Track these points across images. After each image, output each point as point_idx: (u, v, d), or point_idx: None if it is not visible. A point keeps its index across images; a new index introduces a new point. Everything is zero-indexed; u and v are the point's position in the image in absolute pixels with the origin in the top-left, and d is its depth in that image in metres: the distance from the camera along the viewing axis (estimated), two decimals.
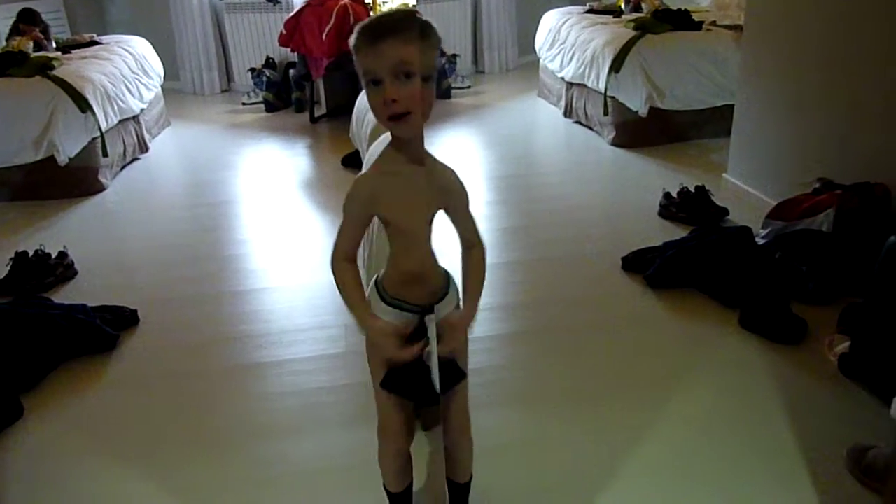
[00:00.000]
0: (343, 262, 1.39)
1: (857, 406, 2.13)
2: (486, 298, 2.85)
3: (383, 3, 5.36)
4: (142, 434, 2.18)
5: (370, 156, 2.13)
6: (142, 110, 4.81)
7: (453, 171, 1.41)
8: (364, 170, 1.53)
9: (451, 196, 1.41)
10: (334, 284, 1.39)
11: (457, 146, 4.87)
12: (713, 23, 4.71)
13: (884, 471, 1.75)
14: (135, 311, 2.78)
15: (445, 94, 5.96)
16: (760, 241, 2.96)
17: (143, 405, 2.32)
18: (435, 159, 1.39)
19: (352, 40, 1.23)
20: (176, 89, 6.23)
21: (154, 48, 5.37)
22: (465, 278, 1.48)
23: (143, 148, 4.83)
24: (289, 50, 5.41)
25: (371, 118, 2.47)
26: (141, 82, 4.86)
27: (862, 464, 1.86)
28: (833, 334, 2.40)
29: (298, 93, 5.76)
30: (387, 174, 1.34)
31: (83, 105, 4.00)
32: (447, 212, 1.42)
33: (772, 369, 2.33)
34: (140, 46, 5.19)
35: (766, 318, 2.52)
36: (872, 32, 2.76)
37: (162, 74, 5.35)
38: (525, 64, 6.61)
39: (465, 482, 1.70)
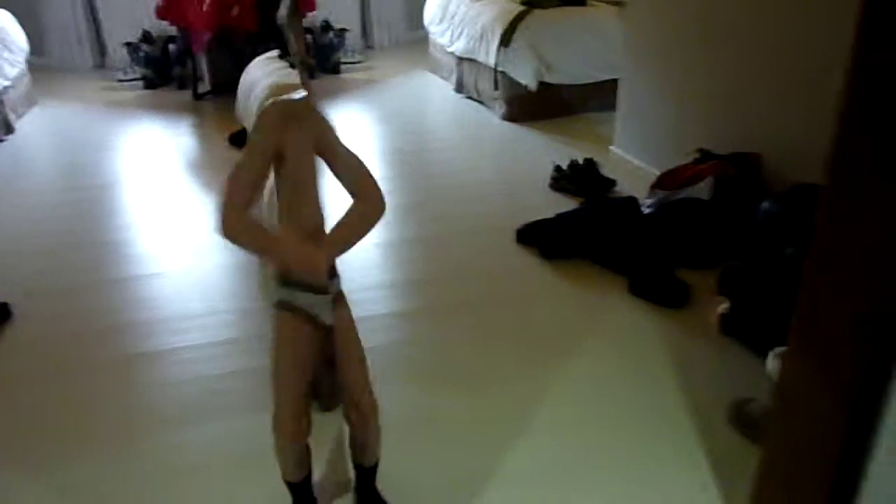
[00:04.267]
0: (241, 210, 1.27)
1: (737, 363, 2.27)
2: (381, 276, 2.86)
3: None
4: (24, 433, 2.04)
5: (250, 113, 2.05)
6: (4, 88, 4.44)
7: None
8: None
9: (323, 132, 1.34)
10: (227, 242, 1.27)
11: (348, 122, 4.79)
12: None
13: (761, 422, 1.87)
14: (5, 305, 2.59)
15: (335, 69, 5.84)
16: (646, 211, 3.08)
17: (21, 404, 2.17)
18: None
19: None
20: (44, 66, 5.79)
21: (17, 20, 4.96)
22: (343, 220, 1.39)
23: (8, 129, 4.47)
24: (167, 23, 5.14)
25: (258, 94, 2.38)
26: (2, 57, 4.49)
27: (743, 416, 1.98)
28: (714, 296, 2.54)
29: (179, 68, 5.49)
30: (290, 103, 1.30)
31: None
32: (323, 155, 1.35)
33: (659, 332, 2.45)
34: (0, 18, 4.79)
35: (652, 284, 2.64)
36: (747, 10, 2.90)
37: (27, 49, 4.96)
38: (415, 39, 6.56)
39: (371, 465, 1.69)
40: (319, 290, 1.40)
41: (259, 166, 1.30)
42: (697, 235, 2.83)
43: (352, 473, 1.75)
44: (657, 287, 2.63)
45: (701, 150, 3.07)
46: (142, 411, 2.13)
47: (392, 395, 2.12)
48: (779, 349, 1.87)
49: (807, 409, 1.31)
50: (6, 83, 4.46)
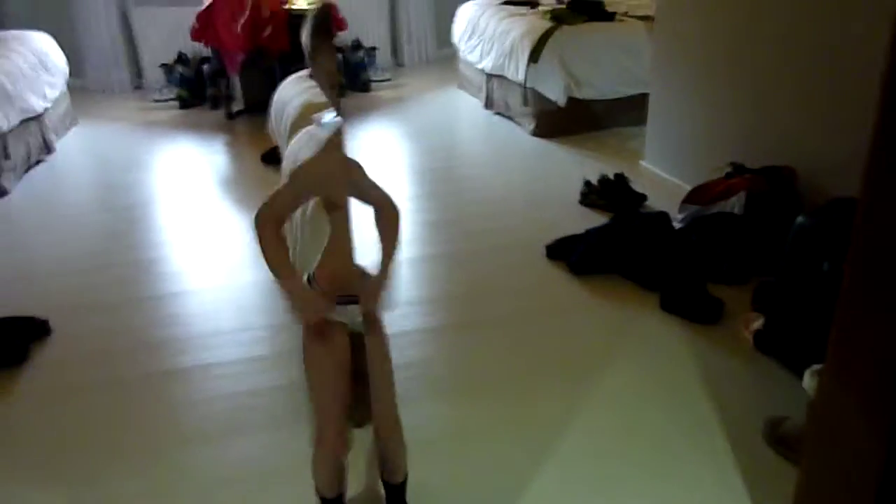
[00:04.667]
0: (274, 223, 1.39)
1: (772, 380, 2.23)
2: (412, 292, 2.87)
3: None
4: (59, 448, 2.08)
5: (292, 151, 2.09)
6: (45, 109, 4.56)
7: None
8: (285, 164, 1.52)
9: (353, 173, 1.44)
10: (259, 247, 1.37)
11: (378, 140, 4.83)
12: (625, 13, 4.83)
13: (797, 440, 1.83)
14: (45, 321, 2.64)
15: (364, 87, 5.90)
16: (677, 226, 3.05)
17: (59, 418, 2.21)
18: None
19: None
20: (82, 87, 5.94)
21: (57, 43, 5.11)
22: (380, 238, 1.51)
23: (48, 149, 4.59)
24: (202, 44, 5.24)
25: (290, 112, 2.41)
26: (43, 80, 4.61)
27: (777, 434, 1.94)
28: (748, 312, 2.50)
29: (213, 89, 5.59)
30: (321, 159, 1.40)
31: None
32: (355, 189, 1.45)
33: (692, 348, 2.41)
34: (40, 42, 4.92)
35: (684, 300, 2.61)
36: (779, 21, 2.88)
37: (66, 71, 5.09)
38: (444, 56, 6.61)
39: (399, 482, 1.69)
40: (351, 301, 1.45)
41: (293, 202, 1.44)
42: (730, 250, 2.80)
43: (382, 491, 1.74)
44: (689, 303, 2.60)
45: (733, 165, 3.03)
46: (173, 427, 2.16)
47: (422, 412, 2.13)
48: (816, 367, 1.84)
49: (844, 428, 1.28)
50: (47, 105, 4.58)
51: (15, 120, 4.09)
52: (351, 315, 1.46)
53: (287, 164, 1.56)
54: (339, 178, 1.40)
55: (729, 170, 3.03)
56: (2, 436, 2.14)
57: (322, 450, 1.54)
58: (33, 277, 3.12)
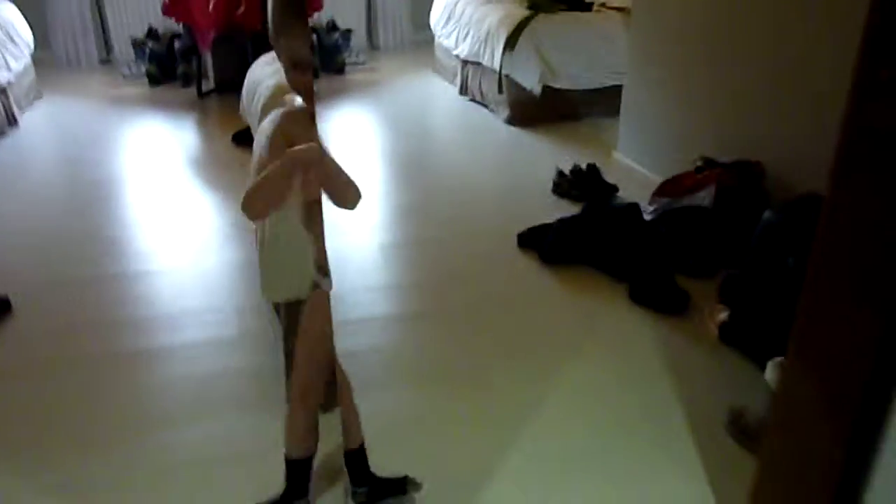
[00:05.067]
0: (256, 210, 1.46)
1: (736, 371, 2.27)
2: (382, 277, 2.86)
3: None
4: (21, 428, 2.05)
5: (262, 131, 2.06)
6: (9, 82, 4.44)
7: None
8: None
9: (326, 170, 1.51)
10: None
11: (351, 123, 4.79)
12: (602, 4, 4.83)
13: (758, 431, 1.87)
14: (5, 298, 2.59)
15: (340, 69, 5.84)
16: (648, 217, 3.08)
17: (19, 398, 2.17)
18: None
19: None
20: (48, 60, 5.79)
21: (22, 14, 4.97)
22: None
23: (12, 121, 4.48)
24: (173, 20, 5.14)
25: (262, 93, 2.38)
26: (7, 50, 4.49)
27: (740, 425, 1.98)
28: (714, 304, 2.53)
29: (184, 66, 5.48)
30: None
31: None
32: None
33: (659, 339, 2.44)
34: (5, 11, 4.78)
35: (652, 291, 2.64)
36: (754, 18, 2.90)
37: (31, 43, 4.96)
38: (420, 40, 6.57)
39: (358, 447, 1.72)
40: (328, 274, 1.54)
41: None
42: (698, 243, 2.83)
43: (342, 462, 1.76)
44: (657, 294, 2.63)
45: (704, 158, 3.06)
46: (137, 408, 2.13)
47: (390, 397, 2.13)
48: (778, 359, 1.87)
49: (804, 420, 1.30)
50: (10, 77, 4.46)
51: None
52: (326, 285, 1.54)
53: (257, 145, 1.54)
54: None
55: (700, 163, 3.06)
56: None
57: (304, 403, 1.61)
58: None
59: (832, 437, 1.21)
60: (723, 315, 2.42)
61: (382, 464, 1.74)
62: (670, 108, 3.47)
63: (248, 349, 2.38)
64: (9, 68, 4.44)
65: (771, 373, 1.88)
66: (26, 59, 4.83)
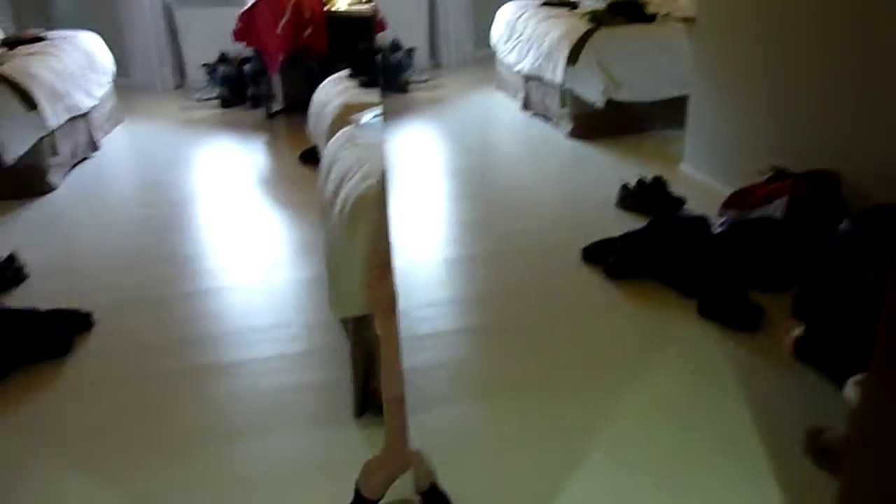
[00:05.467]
0: None
1: (813, 389, 2.19)
2: (447, 292, 2.87)
3: None
4: (100, 440, 2.13)
5: (330, 151, 2.11)
6: (92, 107, 4.68)
7: None
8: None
9: None
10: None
11: (416, 140, 4.85)
12: (666, 14, 4.77)
13: (838, 451, 1.79)
14: (88, 314, 2.71)
15: (403, 88, 5.92)
16: (717, 230, 3.01)
17: (98, 409, 2.27)
18: None
19: None
20: (127, 86, 6.07)
21: (104, 43, 5.23)
22: None
23: (94, 146, 4.71)
24: (243, 45, 5.32)
25: (329, 112, 2.43)
26: (90, 78, 4.73)
27: (818, 445, 1.90)
28: (788, 320, 2.45)
29: (254, 88, 5.66)
30: None
31: (29, 102, 3.88)
32: None
33: (730, 355, 2.38)
34: (88, 41, 5.05)
35: (723, 306, 2.57)
36: (823, 20, 2.82)
37: (113, 70, 5.21)
38: (482, 57, 6.60)
39: (426, 490, 1.72)
40: None
41: None
42: (771, 256, 2.75)
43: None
44: (728, 309, 2.55)
45: (775, 168, 2.98)
46: (208, 422, 2.19)
47: (453, 414, 2.13)
48: (858, 376, 1.80)
49: (888, 439, 1.25)
50: (93, 103, 4.69)
51: (63, 117, 4.20)
52: None
53: (325, 162, 1.58)
54: None
55: (770, 174, 2.98)
56: (44, 425, 2.20)
57: (398, 408, 1.61)
58: (77, 271, 3.20)
59: None
60: (798, 331, 2.34)
61: (448, 480, 1.74)
62: (738, 117, 3.39)
63: (317, 365, 2.42)
64: (91, 95, 4.67)
65: (851, 390, 1.81)
66: (108, 85, 5.08)
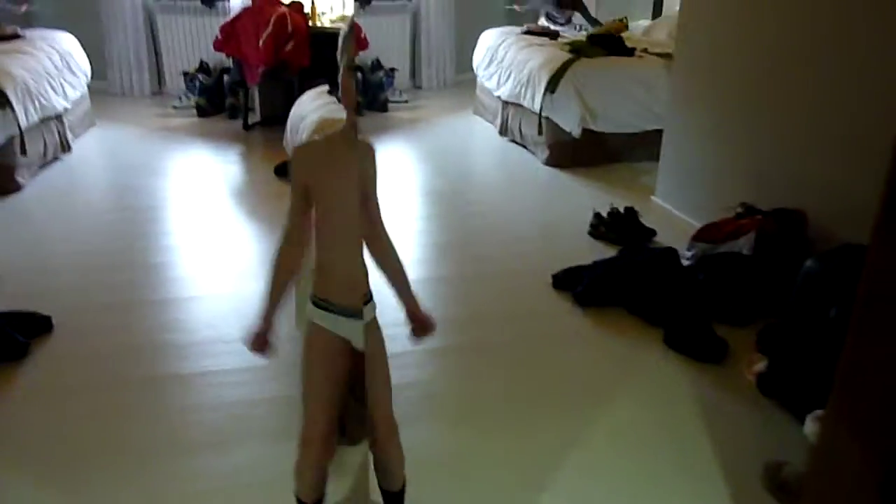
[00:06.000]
0: (288, 244, 1.45)
1: (774, 424, 2.21)
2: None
3: (322, 13, 5.32)
4: (55, 448, 2.08)
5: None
6: (66, 109, 4.61)
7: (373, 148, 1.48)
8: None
9: (370, 172, 1.47)
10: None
11: (392, 160, 4.86)
12: (644, 50, 4.86)
13: (797, 487, 1.81)
14: (48, 318, 2.65)
15: (382, 107, 5.95)
16: (685, 263, 3.05)
17: (55, 417, 2.21)
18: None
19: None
20: (103, 89, 6.01)
21: (81, 45, 5.18)
22: (386, 270, 1.55)
23: (66, 148, 4.64)
24: (224, 55, 5.30)
25: (306, 126, 2.43)
26: (66, 80, 4.67)
27: (777, 480, 1.92)
28: (752, 354, 2.48)
29: (232, 99, 5.65)
30: (322, 142, 1.44)
31: (1, 100, 3.82)
32: (363, 181, 1.45)
33: (694, 387, 2.40)
34: (66, 42, 5.00)
35: (689, 338, 2.60)
36: (794, 66, 2.89)
37: (89, 73, 5.16)
38: (462, 81, 6.67)
39: (397, 490, 1.68)
40: (353, 315, 1.42)
41: (297, 210, 1.43)
42: (737, 291, 2.79)
43: (379, 499, 1.73)
44: (694, 341, 2.58)
45: (744, 205, 3.03)
46: (168, 433, 2.15)
47: (420, 434, 2.12)
48: (818, 412, 1.82)
49: (844, 475, 1.26)
50: (67, 104, 4.63)
51: (35, 117, 4.14)
52: (349, 329, 1.44)
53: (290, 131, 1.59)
54: (348, 159, 1.39)
55: (740, 210, 3.03)
56: None
57: (307, 453, 1.54)
58: (40, 273, 3.13)
59: (872, 494, 1.17)
60: (761, 365, 2.37)
61: (414, 499, 1.72)
62: (710, 153, 3.46)
63: (282, 379, 2.39)
64: (66, 96, 4.62)
65: (810, 426, 1.84)
66: (83, 88, 5.02)
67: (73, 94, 4.77)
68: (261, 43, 4.77)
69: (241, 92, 5.41)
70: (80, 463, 2.01)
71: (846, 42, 2.61)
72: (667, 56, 4.46)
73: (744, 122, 3.21)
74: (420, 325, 1.61)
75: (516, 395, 2.35)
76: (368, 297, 1.48)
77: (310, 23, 5.03)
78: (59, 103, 4.50)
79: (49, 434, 2.13)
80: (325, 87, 2.87)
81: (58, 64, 4.65)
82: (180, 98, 5.92)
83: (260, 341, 1.51)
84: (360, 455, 1.79)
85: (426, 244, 3.52)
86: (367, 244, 1.48)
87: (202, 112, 5.70)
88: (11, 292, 2.88)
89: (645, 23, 6.10)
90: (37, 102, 4.17)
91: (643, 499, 1.92)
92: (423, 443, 2.07)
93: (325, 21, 5.23)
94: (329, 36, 5.09)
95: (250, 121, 5.41)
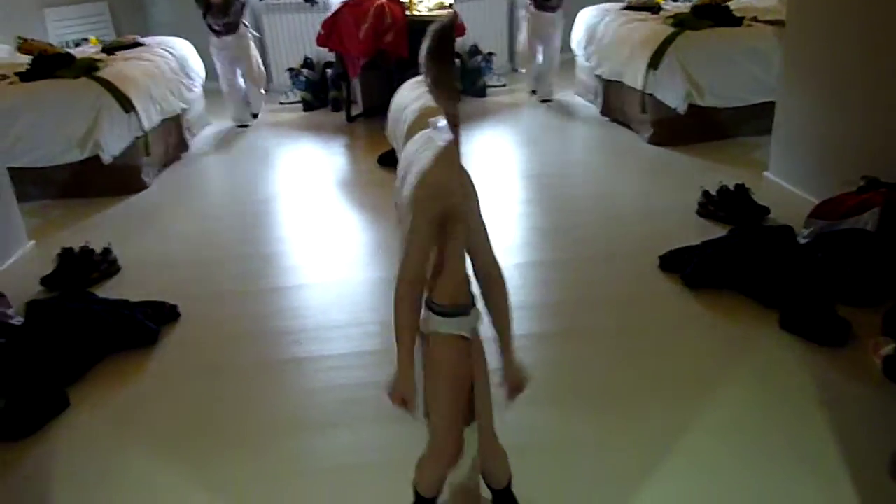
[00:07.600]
0: (408, 284, 1.39)
1: None
2: (521, 297, 2.87)
3: (420, 1, 5.36)
4: (179, 426, 2.23)
5: (408, 153, 2.14)
6: (183, 110, 4.90)
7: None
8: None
9: (467, 203, 1.41)
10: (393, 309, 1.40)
11: (492, 144, 4.86)
12: (754, 18, 4.63)
13: None
14: (175, 307, 2.84)
15: (481, 92, 5.94)
16: (802, 241, 2.90)
17: (182, 398, 2.37)
18: None
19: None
20: (215, 89, 6.31)
21: (195, 49, 5.46)
22: (492, 313, 1.49)
23: (184, 147, 4.93)
24: (326, 49, 5.46)
25: (407, 116, 2.47)
26: (182, 83, 4.95)
27: None
28: (878, 336, 2.34)
29: (335, 92, 5.81)
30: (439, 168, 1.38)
31: (127, 105, 4.09)
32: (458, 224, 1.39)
33: (813, 371, 2.29)
34: (181, 48, 5.29)
35: (808, 320, 2.47)
36: None
37: (203, 75, 5.44)
38: (562, 61, 6.56)
39: (504, 487, 1.71)
40: (470, 308, 1.43)
41: (424, 245, 1.38)
42: (861, 270, 2.63)
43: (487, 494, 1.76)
44: (813, 323, 2.46)
45: (866, 178, 2.85)
46: (285, 415, 2.27)
47: (527, 418, 2.12)
48: None
49: None
50: (185, 106, 4.91)
51: (156, 119, 4.41)
52: (469, 323, 1.44)
53: (402, 164, 1.59)
54: (456, 188, 1.37)
55: (862, 183, 2.86)
56: (130, 411, 2.32)
57: (438, 461, 1.54)
58: (166, 265, 3.35)
59: None
60: (888, 348, 2.24)
61: (520, 484, 1.74)
62: (828, 124, 3.26)
63: (390, 363, 2.45)
64: (183, 98, 4.90)
65: None
66: (198, 89, 5.30)
67: (190, 96, 5.05)
68: (361, 35, 4.87)
69: (344, 85, 5.55)
70: (199, 441, 2.15)
71: None
72: (778, 23, 4.23)
73: (864, 90, 3.01)
74: (512, 382, 1.55)
75: (623, 382, 2.32)
76: (473, 301, 1.48)
77: (407, 12, 5.09)
78: (178, 105, 4.78)
79: (176, 414, 2.30)
80: (423, 77, 2.90)
81: (175, 68, 4.93)
82: (286, 93, 6.14)
83: (400, 398, 1.50)
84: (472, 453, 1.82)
85: (528, 227, 3.51)
86: (483, 289, 1.47)
87: (307, 106, 5.90)
88: (142, 283, 3.09)
89: None
90: (158, 105, 4.45)
91: (760, 489, 1.85)
92: (524, 428, 2.08)
93: (422, 10, 5.27)
94: (427, 24, 5.12)
95: (353, 113, 5.55)
